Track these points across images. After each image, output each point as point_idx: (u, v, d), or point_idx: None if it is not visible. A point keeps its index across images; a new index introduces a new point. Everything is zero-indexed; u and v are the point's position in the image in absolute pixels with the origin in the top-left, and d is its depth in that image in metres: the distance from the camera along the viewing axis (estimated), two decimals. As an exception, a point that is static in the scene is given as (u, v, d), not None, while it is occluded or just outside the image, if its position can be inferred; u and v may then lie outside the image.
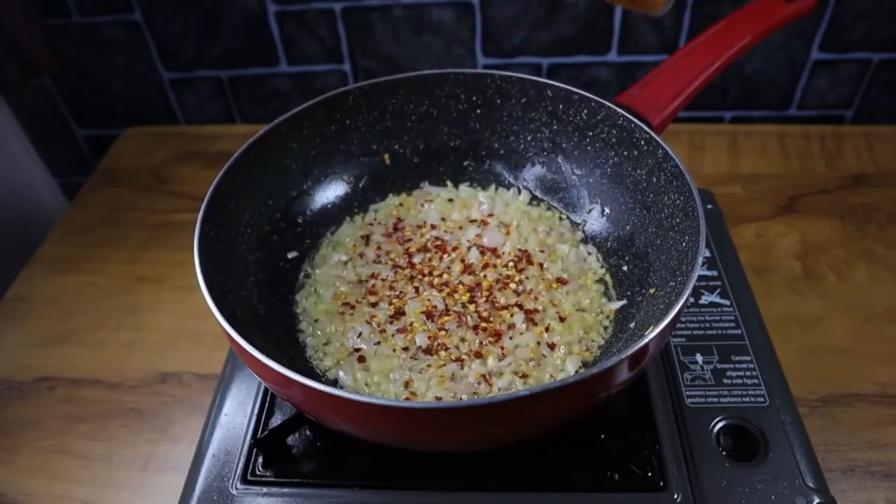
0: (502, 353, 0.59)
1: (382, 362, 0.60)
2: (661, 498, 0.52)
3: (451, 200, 0.74)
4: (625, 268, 0.65)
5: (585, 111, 0.67)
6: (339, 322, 0.64)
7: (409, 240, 0.71)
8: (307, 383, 0.43)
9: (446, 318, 0.62)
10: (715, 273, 0.70)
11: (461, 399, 0.56)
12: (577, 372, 0.59)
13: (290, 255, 0.69)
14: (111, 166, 1.04)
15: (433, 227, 0.72)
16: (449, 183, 0.76)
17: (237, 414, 0.61)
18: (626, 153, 0.65)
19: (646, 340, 0.44)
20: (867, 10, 0.92)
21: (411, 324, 0.62)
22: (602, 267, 0.67)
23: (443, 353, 0.60)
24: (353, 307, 0.65)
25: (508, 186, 0.75)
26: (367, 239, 0.72)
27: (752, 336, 0.64)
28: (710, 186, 0.82)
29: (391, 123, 0.73)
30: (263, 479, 0.56)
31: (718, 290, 0.68)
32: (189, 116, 1.13)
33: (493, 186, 0.75)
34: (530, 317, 0.62)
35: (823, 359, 0.69)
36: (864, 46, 0.96)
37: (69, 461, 0.66)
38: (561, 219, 0.72)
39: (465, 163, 0.76)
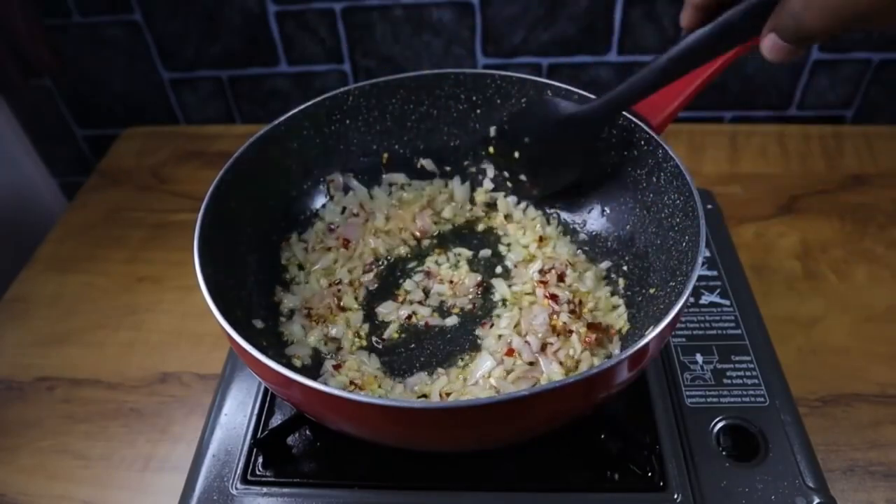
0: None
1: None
2: (661, 498, 0.52)
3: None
4: (625, 268, 0.65)
5: (585, 111, 0.67)
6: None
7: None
8: (307, 383, 0.43)
9: None
10: (715, 273, 0.70)
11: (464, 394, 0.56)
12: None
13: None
14: (111, 166, 1.04)
15: None
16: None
17: (237, 414, 0.61)
18: (626, 153, 0.65)
19: (646, 340, 0.45)
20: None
21: None
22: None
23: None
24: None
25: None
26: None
27: (752, 336, 0.64)
28: (710, 186, 0.82)
29: (391, 123, 0.73)
30: (263, 479, 0.56)
31: (718, 290, 0.68)
32: (189, 116, 1.13)
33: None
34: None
35: (823, 359, 0.69)
36: (864, 46, 0.95)
37: (69, 461, 0.66)
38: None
39: (465, 163, 0.76)
